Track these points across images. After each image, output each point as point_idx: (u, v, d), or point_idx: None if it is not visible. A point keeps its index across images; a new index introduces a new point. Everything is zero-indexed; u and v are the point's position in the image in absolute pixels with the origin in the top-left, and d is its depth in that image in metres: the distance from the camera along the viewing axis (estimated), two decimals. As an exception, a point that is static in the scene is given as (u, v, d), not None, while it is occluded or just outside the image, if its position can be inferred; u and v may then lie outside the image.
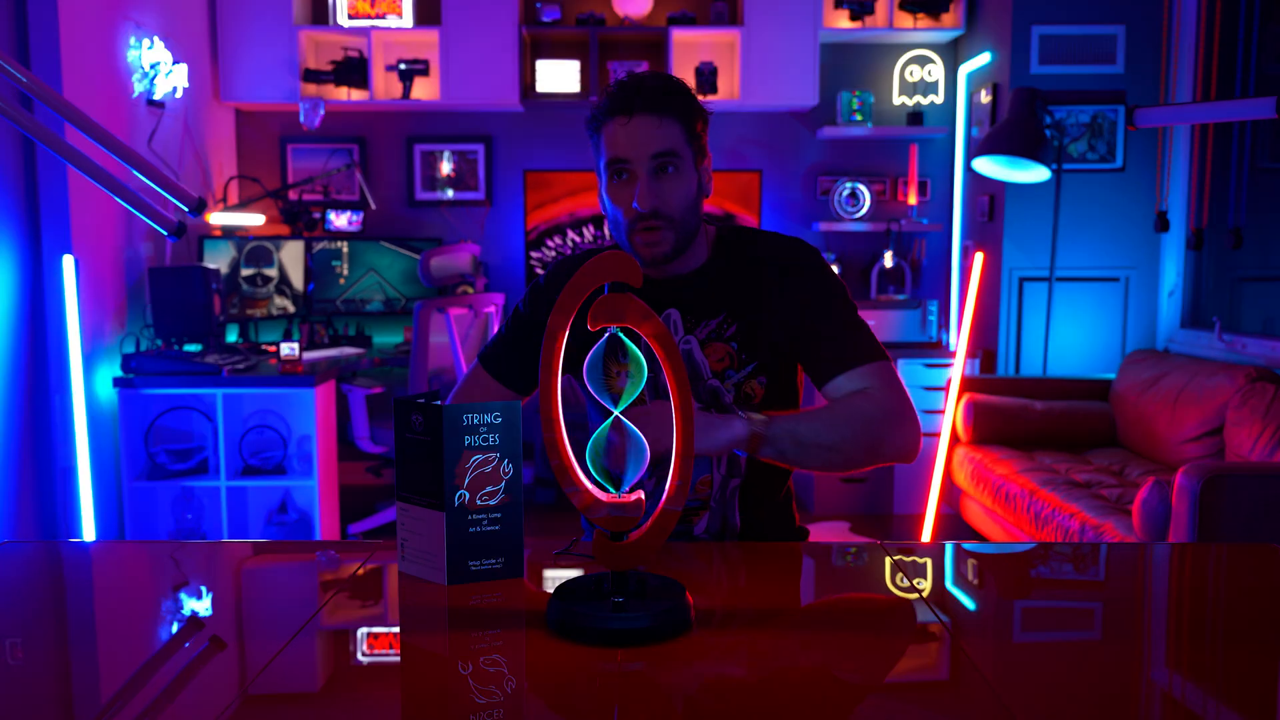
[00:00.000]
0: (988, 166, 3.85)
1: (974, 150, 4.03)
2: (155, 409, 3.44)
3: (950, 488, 4.03)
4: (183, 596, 1.30)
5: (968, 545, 1.57)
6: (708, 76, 4.51)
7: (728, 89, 4.57)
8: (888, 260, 4.54)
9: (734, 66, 4.53)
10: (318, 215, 4.55)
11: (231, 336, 4.28)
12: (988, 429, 3.83)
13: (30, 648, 1.12)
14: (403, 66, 4.46)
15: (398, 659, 1.10)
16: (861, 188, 4.61)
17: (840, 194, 4.62)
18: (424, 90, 4.56)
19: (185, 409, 3.47)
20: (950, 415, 3.90)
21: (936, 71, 4.73)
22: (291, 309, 4.28)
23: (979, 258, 3.91)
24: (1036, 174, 3.77)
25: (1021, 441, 3.79)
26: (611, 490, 1.09)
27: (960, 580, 1.37)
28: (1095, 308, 4.24)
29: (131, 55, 3.61)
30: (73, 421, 3.16)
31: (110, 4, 3.47)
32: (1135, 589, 1.38)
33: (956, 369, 3.90)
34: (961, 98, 4.67)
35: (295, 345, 3.46)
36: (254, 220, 4.26)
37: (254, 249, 4.15)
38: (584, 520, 1.51)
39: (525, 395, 1.66)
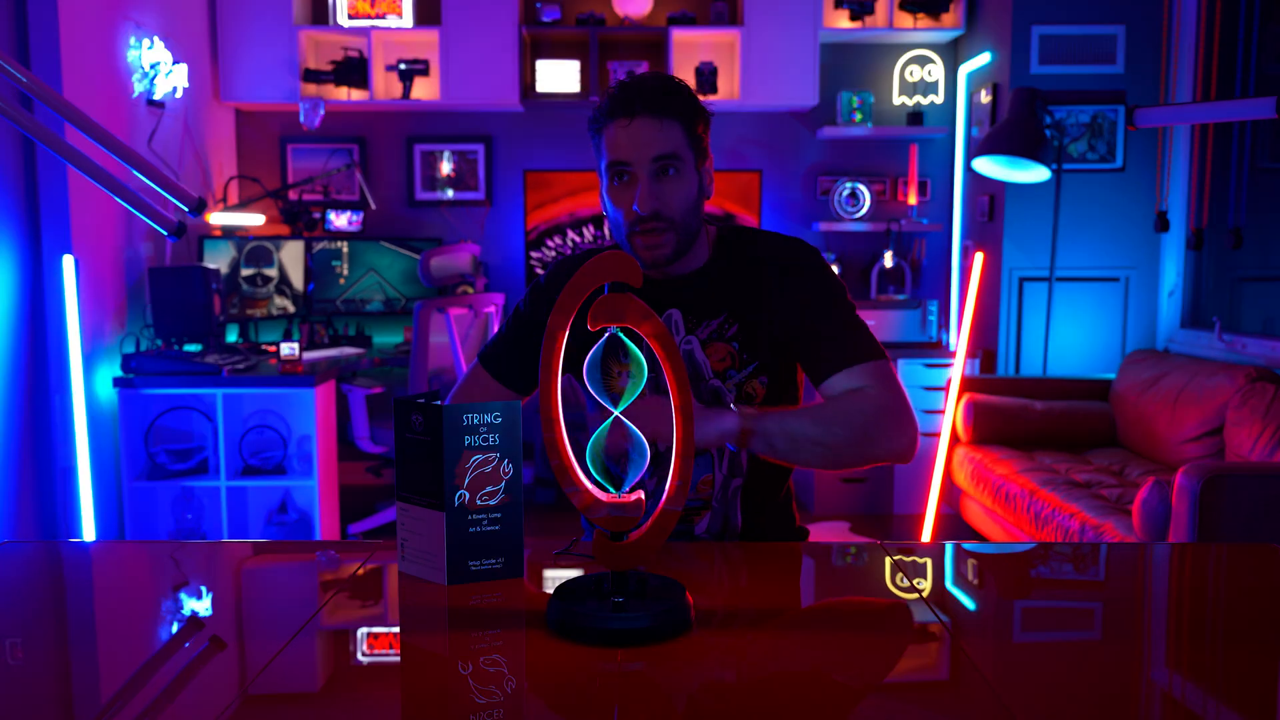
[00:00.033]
0: (988, 166, 3.85)
1: (974, 150, 4.03)
2: (155, 409, 3.44)
3: (950, 488, 4.03)
4: (183, 596, 1.30)
5: (968, 545, 1.57)
6: (708, 76, 4.51)
7: (728, 89, 4.57)
8: (888, 260, 4.54)
9: (734, 66, 4.53)
10: (318, 215, 4.55)
11: (231, 336, 4.28)
12: (988, 429, 3.83)
13: (30, 648, 1.12)
14: (403, 66, 4.46)
15: (398, 659, 1.10)
16: (861, 188, 4.61)
17: (840, 194, 4.62)
18: (424, 90, 4.56)
19: (185, 409, 3.47)
20: (950, 415, 3.90)
21: (936, 71, 4.73)
22: (291, 309, 4.28)
23: (979, 258, 3.91)
24: (1036, 174, 3.77)
25: (1021, 441, 3.79)
26: (611, 490, 1.09)
27: (960, 580, 1.37)
28: (1095, 308, 4.24)
29: (131, 55, 3.61)
30: (73, 421, 3.16)
31: (110, 4, 3.47)
32: (1135, 589, 1.38)
33: (956, 369, 3.90)
34: (961, 98, 4.67)
35: (295, 345, 3.46)
36: (254, 220, 4.26)
37: (254, 249, 4.15)
38: (584, 520, 1.51)
39: (525, 395, 1.66)
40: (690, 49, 4.60)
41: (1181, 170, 4.07)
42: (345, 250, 4.39)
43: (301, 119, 4.23)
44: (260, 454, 3.53)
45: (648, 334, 1.05)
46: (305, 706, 0.98)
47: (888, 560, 1.36)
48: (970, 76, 4.59)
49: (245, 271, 4.12)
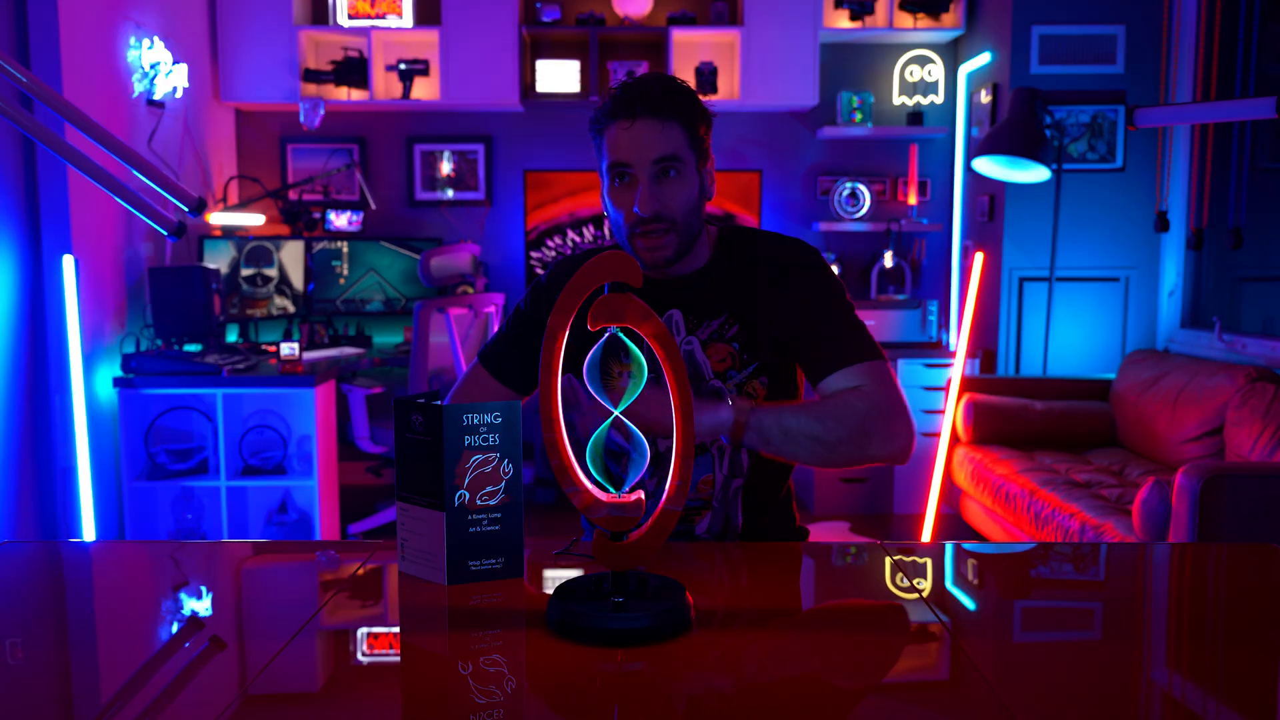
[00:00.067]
0: (988, 166, 3.85)
1: (974, 150, 4.03)
2: (155, 409, 3.44)
3: (950, 488, 4.03)
4: (183, 596, 1.30)
5: (968, 545, 1.57)
6: (708, 76, 4.51)
7: (728, 89, 4.57)
8: (888, 260, 4.54)
9: (734, 66, 4.53)
10: (318, 215, 4.55)
11: (231, 336, 4.28)
12: (988, 429, 3.83)
13: (30, 648, 1.12)
14: (403, 66, 4.46)
15: (398, 659, 1.10)
16: (861, 188, 4.61)
17: (840, 194, 4.62)
18: (424, 90, 4.56)
19: (185, 409, 3.47)
20: (950, 415, 3.90)
21: (936, 71, 4.73)
22: (291, 309, 4.28)
23: (979, 258, 3.91)
24: (1036, 174, 3.77)
25: (1021, 441, 3.79)
26: (611, 490, 1.09)
27: (960, 580, 1.37)
28: (1095, 308, 4.24)
29: (131, 55, 3.61)
30: (73, 421, 3.16)
31: (110, 4, 3.47)
32: (1135, 589, 1.38)
33: (956, 369, 3.90)
34: (961, 98, 4.67)
35: (295, 345, 3.46)
36: (254, 220, 4.26)
37: (254, 249, 4.15)
38: (584, 520, 1.51)
39: (525, 395, 1.65)
40: (690, 49, 4.60)
41: (1181, 170, 4.07)
42: (345, 250, 4.39)
43: (301, 119, 4.23)
44: (260, 454, 3.53)
45: (648, 334, 1.05)
46: (305, 706, 0.98)
47: (888, 560, 1.36)
48: (970, 76, 4.59)
49: (245, 271, 4.12)
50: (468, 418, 1.20)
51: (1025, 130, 3.60)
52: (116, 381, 3.34)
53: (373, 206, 4.51)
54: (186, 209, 1.65)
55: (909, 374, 4.19)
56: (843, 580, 1.41)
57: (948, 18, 4.53)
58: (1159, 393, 3.56)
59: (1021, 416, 3.82)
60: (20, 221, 3.12)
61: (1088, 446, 3.78)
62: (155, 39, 3.74)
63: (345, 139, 4.68)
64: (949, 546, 1.48)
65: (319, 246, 4.34)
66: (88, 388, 3.23)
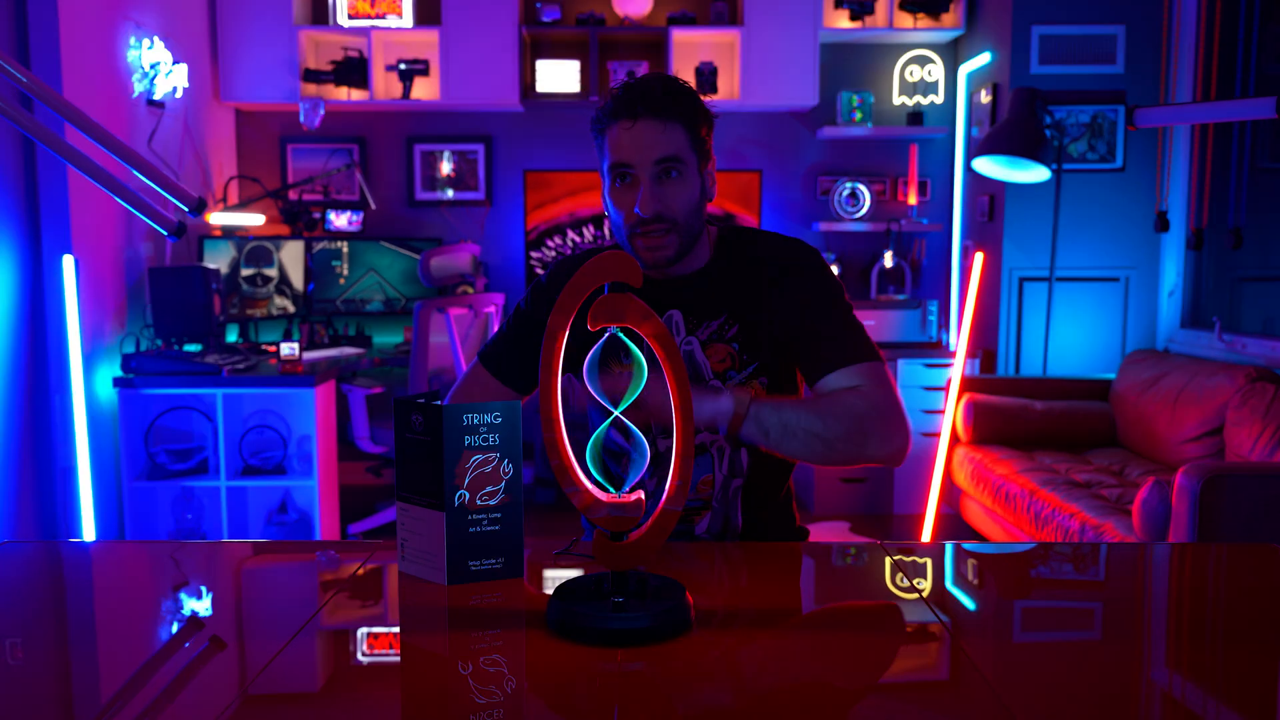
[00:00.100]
0: (988, 166, 3.85)
1: (974, 150, 4.03)
2: (155, 409, 3.44)
3: (950, 488, 4.03)
4: (183, 596, 1.30)
5: (968, 545, 1.57)
6: (708, 76, 4.51)
7: (728, 89, 4.57)
8: (888, 260, 4.54)
9: (734, 66, 4.53)
10: (318, 215, 4.55)
11: (231, 336, 4.28)
12: (988, 429, 3.83)
13: (30, 648, 1.12)
14: (403, 66, 4.46)
15: (398, 659, 1.10)
16: (861, 188, 4.61)
17: (840, 194, 4.62)
18: (424, 90, 4.56)
19: (185, 409, 3.47)
20: (950, 415, 3.90)
21: (936, 71, 4.73)
22: (291, 309, 4.28)
23: (979, 258, 3.91)
24: (1036, 174, 3.77)
25: (1021, 441, 3.79)
26: (611, 490, 1.09)
27: (960, 580, 1.37)
28: (1095, 308, 4.24)
29: (131, 55, 3.61)
30: (73, 421, 3.16)
31: (110, 4, 3.47)
32: (1135, 589, 1.38)
33: (956, 369, 3.90)
34: (961, 98, 4.67)
35: (295, 345, 3.46)
36: (254, 220, 4.26)
37: (254, 249, 4.15)
38: (584, 520, 1.51)
39: (525, 394, 1.65)
40: (690, 49, 4.60)
41: (1181, 170, 4.07)
42: (345, 250, 4.39)
43: (301, 119, 4.23)
44: (260, 454, 3.53)
45: (648, 334, 1.05)
46: (305, 706, 0.98)
47: (888, 560, 1.36)
48: (970, 76, 4.59)
49: (245, 271, 4.12)
50: (468, 418, 1.20)
51: (1025, 130, 3.60)
52: (116, 381, 3.34)
53: (373, 206, 4.51)
54: (186, 209, 1.65)
55: (909, 374, 4.19)
56: (843, 580, 1.41)
57: (948, 18, 4.53)
58: (1159, 393, 3.56)
59: (1021, 416, 3.82)
60: (20, 221, 3.12)
61: (1088, 446, 3.78)
62: (155, 39, 3.74)
63: (345, 139, 4.68)
64: (949, 547, 1.48)
65: (319, 246, 4.34)
66: (88, 388, 3.23)
